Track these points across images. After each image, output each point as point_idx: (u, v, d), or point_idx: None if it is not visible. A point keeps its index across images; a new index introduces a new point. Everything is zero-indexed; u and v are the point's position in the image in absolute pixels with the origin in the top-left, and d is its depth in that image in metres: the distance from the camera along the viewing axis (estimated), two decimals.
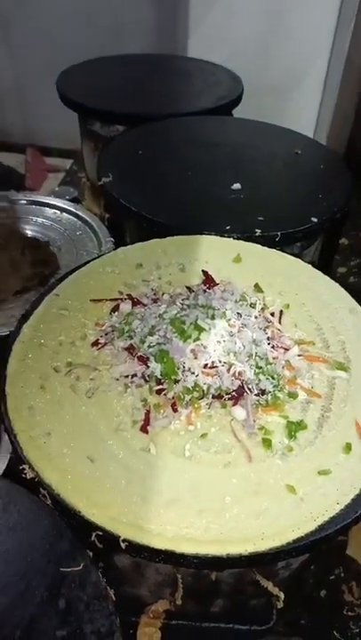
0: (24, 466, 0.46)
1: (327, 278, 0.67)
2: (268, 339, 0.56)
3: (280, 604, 0.50)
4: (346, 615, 0.65)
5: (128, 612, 0.51)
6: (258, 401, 0.51)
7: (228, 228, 0.74)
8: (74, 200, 0.98)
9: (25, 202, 0.90)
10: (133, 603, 0.51)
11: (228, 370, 0.52)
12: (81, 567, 0.39)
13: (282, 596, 0.49)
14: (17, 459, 0.46)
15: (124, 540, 0.41)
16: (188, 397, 0.51)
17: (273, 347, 0.55)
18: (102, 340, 0.57)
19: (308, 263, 0.70)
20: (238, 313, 0.57)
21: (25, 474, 0.45)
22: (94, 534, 0.42)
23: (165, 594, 0.50)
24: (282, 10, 1.53)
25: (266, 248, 0.72)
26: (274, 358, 0.54)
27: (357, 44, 1.51)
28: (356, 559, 0.72)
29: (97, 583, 0.39)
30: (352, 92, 1.57)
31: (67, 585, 0.38)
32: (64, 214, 0.90)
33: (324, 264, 0.91)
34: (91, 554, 0.41)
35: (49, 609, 0.37)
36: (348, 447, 0.48)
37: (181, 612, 0.50)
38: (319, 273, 0.68)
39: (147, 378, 0.53)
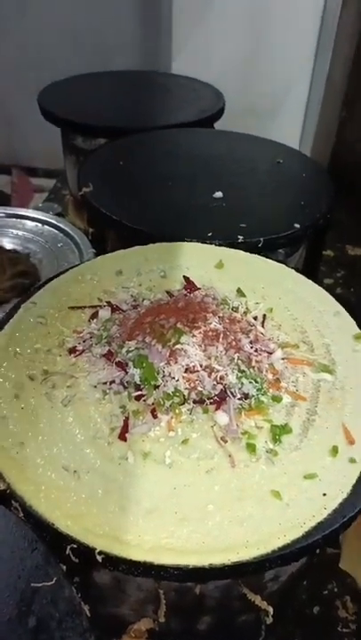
0: None
1: (311, 282, 0.66)
2: (250, 342, 0.54)
3: (269, 620, 0.47)
4: (340, 632, 0.62)
5: (109, 632, 0.48)
6: (241, 405, 0.49)
7: (210, 234, 0.73)
8: (58, 215, 0.97)
9: (4, 215, 0.89)
10: (114, 622, 0.49)
11: (210, 374, 0.50)
12: (53, 582, 0.37)
13: (270, 610, 0.47)
14: None
15: (99, 553, 0.39)
16: (168, 403, 0.49)
17: (256, 350, 0.54)
18: (80, 347, 0.55)
19: None
20: (220, 316, 0.56)
21: None
22: (69, 547, 0.39)
23: (148, 612, 0.48)
24: (264, 31, 1.55)
25: (249, 254, 0.70)
26: (257, 362, 0.53)
27: (337, 64, 1.54)
28: (350, 573, 0.69)
29: (70, 599, 0.36)
30: (334, 110, 1.58)
31: (38, 601, 0.36)
32: (45, 227, 0.88)
33: (310, 273, 0.90)
34: (65, 568, 0.38)
35: (18, 627, 0.35)
36: (334, 450, 0.46)
37: (165, 630, 0.48)
38: (303, 277, 0.67)
39: (125, 384, 0.51)
